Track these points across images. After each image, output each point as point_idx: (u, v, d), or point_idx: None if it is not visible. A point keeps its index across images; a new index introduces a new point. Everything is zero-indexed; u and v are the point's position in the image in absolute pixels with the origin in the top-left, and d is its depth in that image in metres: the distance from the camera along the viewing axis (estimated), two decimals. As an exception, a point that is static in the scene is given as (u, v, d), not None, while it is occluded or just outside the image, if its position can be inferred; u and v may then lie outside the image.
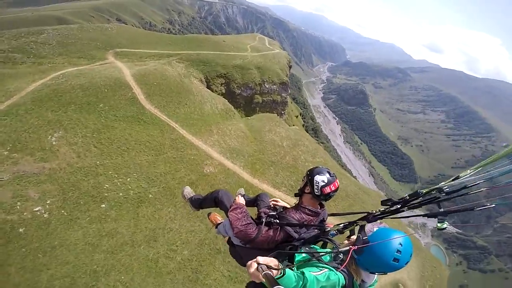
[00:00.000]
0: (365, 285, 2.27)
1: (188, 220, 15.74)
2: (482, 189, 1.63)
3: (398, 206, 2.04)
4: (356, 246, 2.10)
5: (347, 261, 2.12)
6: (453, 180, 1.80)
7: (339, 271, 2.14)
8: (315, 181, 2.76)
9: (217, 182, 18.42)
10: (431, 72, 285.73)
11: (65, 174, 14.81)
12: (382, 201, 2.16)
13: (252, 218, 3.13)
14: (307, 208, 2.85)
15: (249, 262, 1.80)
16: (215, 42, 50.64)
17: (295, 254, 2.51)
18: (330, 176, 2.78)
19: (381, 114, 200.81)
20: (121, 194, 15.23)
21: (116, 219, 14.05)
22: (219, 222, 4.03)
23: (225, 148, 21.56)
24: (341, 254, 2.28)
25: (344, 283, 2.12)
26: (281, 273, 1.76)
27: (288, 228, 2.77)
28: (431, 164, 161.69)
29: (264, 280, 1.67)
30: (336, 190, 2.79)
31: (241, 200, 3.41)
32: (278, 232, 2.80)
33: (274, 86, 49.14)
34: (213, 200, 3.78)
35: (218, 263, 14.47)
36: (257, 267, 1.74)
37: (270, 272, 1.69)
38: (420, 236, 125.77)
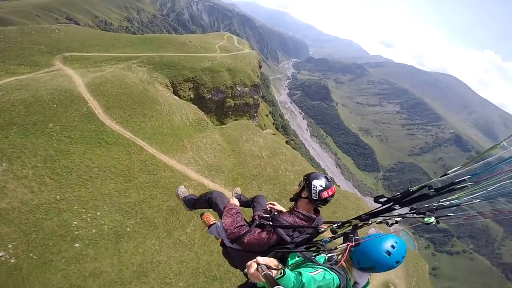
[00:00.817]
0: (358, 286, 2.33)
1: (176, 250, 14.46)
2: (467, 184, 1.73)
3: (390, 204, 2.10)
4: (353, 243, 2.17)
5: (343, 260, 2.21)
6: (441, 176, 1.92)
7: (334, 272, 2.18)
8: (312, 186, 2.78)
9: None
10: (385, 66, 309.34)
11: (21, 214, 12.60)
12: (374, 198, 2.22)
13: (246, 221, 3.13)
14: (301, 213, 2.86)
15: (249, 263, 1.78)
16: (180, 43, 47.73)
17: (288, 257, 2.52)
18: (328, 181, 2.82)
19: (343, 108, 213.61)
20: (94, 230, 13.40)
21: (95, 257, 12.54)
22: (212, 222, 3.96)
23: (202, 165, 20.06)
24: (335, 255, 2.33)
25: (339, 283, 2.16)
26: (281, 273, 1.74)
27: (280, 230, 2.75)
28: (391, 153, 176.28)
29: (264, 280, 1.65)
30: (332, 195, 2.82)
31: (235, 202, 3.34)
32: (271, 235, 2.78)
33: (246, 88, 48.14)
34: (206, 202, 3.70)
35: (216, 290, 13.67)
36: (257, 268, 1.72)
37: (270, 272, 1.68)
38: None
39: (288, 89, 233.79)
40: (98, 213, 14.13)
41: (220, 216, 3.35)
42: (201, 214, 4.32)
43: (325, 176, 2.87)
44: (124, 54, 36.90)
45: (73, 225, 13.15)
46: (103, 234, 13.50)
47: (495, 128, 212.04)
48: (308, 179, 2.85)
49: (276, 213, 3.09)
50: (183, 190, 4.35)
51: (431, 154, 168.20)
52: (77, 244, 12.64)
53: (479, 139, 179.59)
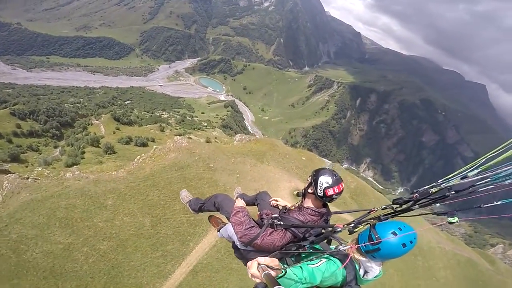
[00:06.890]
0: (368, 275, 2.34)
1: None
2: (489, 187, 1.72)
3: (409, 204, 2.13)
4: (357, 245, 2.30)
5: (348, 261, 2.26)
6: (462, 179, 1.89)
7: (338, 260, 2.30)
8: (319, 182, 2.73)
9: None
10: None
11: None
12: (393, 200, 2.25)
13: (254, 220, 3.15)
14: (310, 209, 2.87)
15: (249, 263, 1.83)
16: None
17: (301, 253, 2.60)
18: (335, 178, 2.75)
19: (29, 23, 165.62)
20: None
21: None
22: (221, 225, 4.01)
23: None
24: (343, 249, 2.39)
25: (345, 274, 2.27)
26: (282, 272, 1.80)
27: (293, 229, 2.79)
28: (128, 30, 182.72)
29: (264, 280, 1.68)
30: (340, 193, 2.78)
31: (241, 203, 3.34)
32: (284, 234, 2.81)
33: None
34: (213, 205, 3.74)
35: None
36: (257, 267, 1.76)
37: (270, 272, 1.70)
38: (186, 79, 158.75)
39: None
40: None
41: (228, 219, 3.36)
42: (209, 217, 4.35)
43: (334, 174, 2.76)
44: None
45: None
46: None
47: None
48: (315, 175, 2.77)
49: (284, 211, 3.06)
50: (186, 194, 4.36)
51: (162, 12, 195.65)
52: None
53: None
